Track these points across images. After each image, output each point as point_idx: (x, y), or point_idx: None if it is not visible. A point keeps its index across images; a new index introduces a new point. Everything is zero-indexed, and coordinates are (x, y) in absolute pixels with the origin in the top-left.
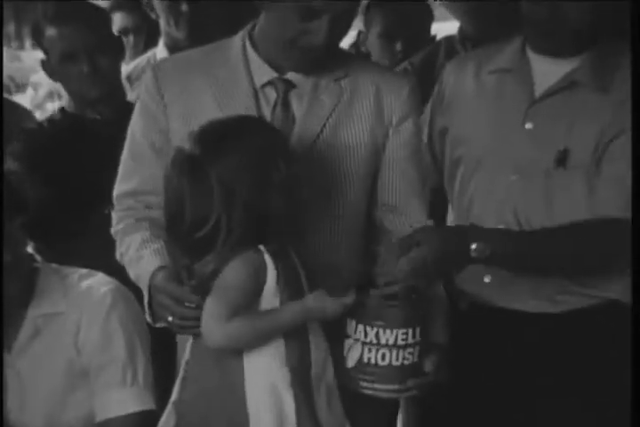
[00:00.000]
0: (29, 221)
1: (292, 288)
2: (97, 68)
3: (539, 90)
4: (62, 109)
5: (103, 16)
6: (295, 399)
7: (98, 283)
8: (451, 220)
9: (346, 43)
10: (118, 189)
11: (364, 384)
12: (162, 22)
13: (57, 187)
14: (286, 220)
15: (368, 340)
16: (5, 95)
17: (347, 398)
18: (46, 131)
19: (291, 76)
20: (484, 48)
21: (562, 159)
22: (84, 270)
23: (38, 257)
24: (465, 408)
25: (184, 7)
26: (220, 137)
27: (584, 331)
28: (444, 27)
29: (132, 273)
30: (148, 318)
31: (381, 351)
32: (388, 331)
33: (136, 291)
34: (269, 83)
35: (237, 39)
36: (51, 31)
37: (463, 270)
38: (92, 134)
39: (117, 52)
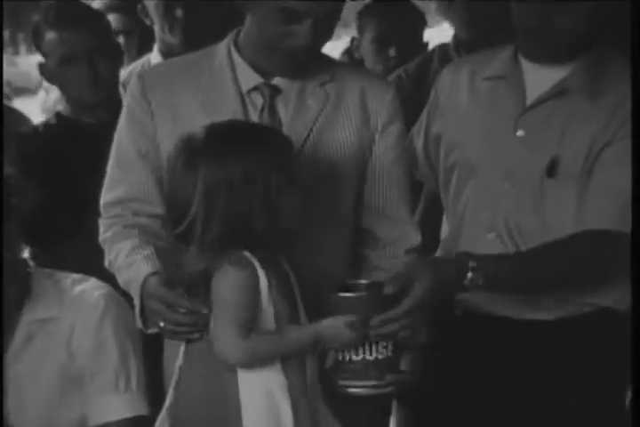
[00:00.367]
0: (25, 225)
1: (284, 296)
2: (96, 73)
3: (530, 97)
4: (58, 114)
5: (103, 21)
6: (292, 405)
7: (91, 288)
8: (445, 228)
9: (339, 49)
10: (105, 197)
11: (342, 382)
12: (156, 28)
13: (52, 191)
14: (276, 228)
15: None
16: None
17: (337, 401)
18: (41, 135)
19: (277, 81)
20: (479, 54)
21: (552, 167)
22: (78, 275)
23: (32, 263)
24: (458, 414)
25: (179, 13)
26: (223, 138)
27: (578, 338)
28: (437, 33)
29: (121, 280)
30: (140, 325)
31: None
32: None
33: (127, 297)
34: (255, 88)
35: (223, 45)
36: (51, 35)
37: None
38: (87, 139)
39: (117, 58)
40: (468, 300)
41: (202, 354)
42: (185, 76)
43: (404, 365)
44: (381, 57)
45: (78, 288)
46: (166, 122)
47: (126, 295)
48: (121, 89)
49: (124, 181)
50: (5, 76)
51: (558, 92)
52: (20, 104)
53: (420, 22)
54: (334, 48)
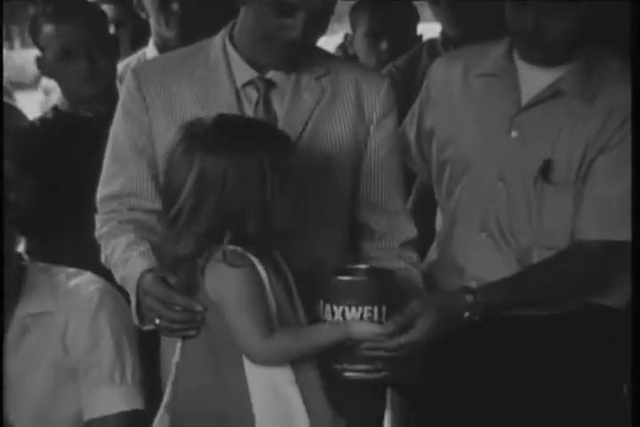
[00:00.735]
0: (22, 219)
1: (281, 290)
2: (94, 66)
3: (525, 98)
4: (55, 108)
5: (100, 14)
6: (303, 396)
7: (86, 282)
8: (439, 221)
9: (334, 44)
10: (101, 192)
11: (337, 366)
12: (152, 22)
13: (49, 185)
14: (269, 230)
15: (335, 319)
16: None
17: (333, 387)
18: (38, 129)
19: (271, 75)
20: (472, 48)
21: (546, 170)
22: (72, 269)
23: (27, 257)
24: (453, 406)
25: (174, 6)
26: (226, 131)
27: (573, 334)
28: (432, 27)
29: (117, 276)
30: (136, 321)
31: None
32: (353, 309)
33: (124, 291)
34: (250, 82)
35: (218, 39)
36: (48, 28)
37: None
38: (84, 133)
39: (114, 51)
40: None
41: (199, 351)
42: (180, 70)
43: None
44: (374, 51)
45: (73, 282)
46: (162, 117)
47: (122, 290)
48: (118, 83)
49: (120, 176)
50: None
51: (553, 93)
52: (14, 98)
53: (413, 16)
54: (328, 43)
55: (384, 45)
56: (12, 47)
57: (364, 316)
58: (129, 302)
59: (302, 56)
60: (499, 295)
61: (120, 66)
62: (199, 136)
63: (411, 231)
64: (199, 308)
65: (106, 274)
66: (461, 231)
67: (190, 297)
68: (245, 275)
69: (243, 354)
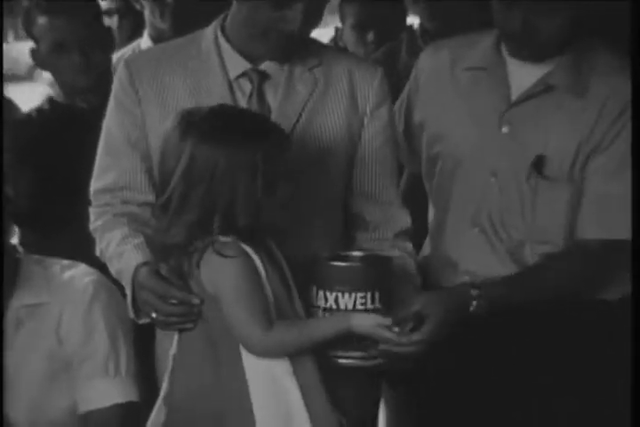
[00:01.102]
0: (18, 211)
1: (277, 280)
2: (88, 58)
3: (515, 93)
4: (51, 99)
5: (94, 5)
6: (301, 388)
7: (80, 274)
8: (430, 215)
9: (327, 37)
10: (94, 185)
11: (331, 353)
12: (146, 13)
13: (46, 176)
14: (260, 224)
15: (328, 305)
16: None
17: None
18: (35, 121)
19: (265, 66)
20: (459, 39)
21: (538, 166)
22: (66, 261)
23: (21, 249)
24: (446, 399)
25: None
26: (221, 122)
27: (566, 327)
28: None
29: (113, 269)
30: (132, 315)
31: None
32: (346, 295)
33: (119, 284)
34: (243, 74)
35: (210, 31)
36: (42, 20)
37: None
38: (80, 124)
39: (108, 42)
40: None
41: (196, 343)
42: (172, 62)
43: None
44: (361, 42)
45: (67, 274)
46: (154, 109)
47: (117, 282)
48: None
49: (114, 169)
50: None
51: (543, 89)
52: (8, 91)
53: (400, 8)
54: (322, 35)
55: (370, 37)
56: (5, 40)
57: (357, 302)
58: (124, 294)
59: (297, 47)
60: (500, 291)
61: (115, 57)
62: (194, 124)
63: (405, 222)
64: (196, 301)
65: (101, 266)
66: (453, 226)
67: (186, 290)
68: (241, 266)
69: (240, 346)
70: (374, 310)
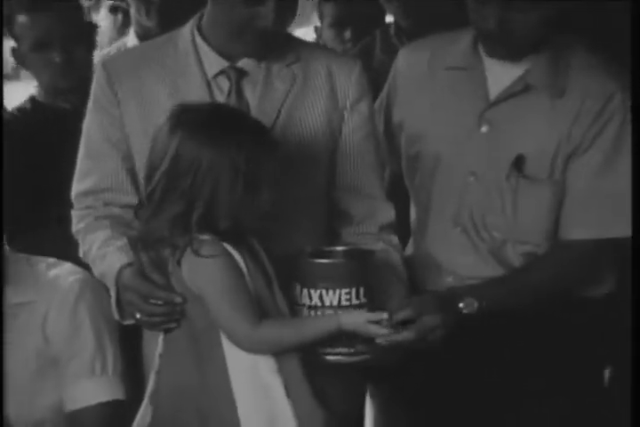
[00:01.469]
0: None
1: (260, 278)
2: (69, 58)
3: (493, 92)
4: (33, 99)
5: (76, 4)
6: (285, 385)
7: (66, 273)
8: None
9: (312, 35)
10: (76, 188)
11: (319, 350)
12: (132, 11)
13: (28, 176)
14: (241, 220)
15: (313, 303)
16: None
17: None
18: (16, 120)
19: (242, 63)
20: (437, 38)
21: (518, 165)
22: (52, 259)
23: (7, 247)
24: (431, 401)
25: None
26: (207, 119)
27: (551, 324)
28: None
29: (96, 271)
30: (117, 316)
31: (326, 314)
32: (330, 292)
33: (104, 285)
34: (221, 72)
35: (186, 30)
36: (23, 19)
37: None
38: (62, 124)
39: (90, 42)
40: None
41: (180, 342)
42: (150, 62)
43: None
44: (338, 39)
45: (53, 272)
46: (134, 110)
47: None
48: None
49: (95, 172)
50: None
51: (521, 88)
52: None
53: (378, 5)
54: (307, 34)
55: (348, 35)
56: None
57: (342, 298)
58: (110, 294)
59: (274, 43)
60: (492, 293)
61: (100, 55)
62: (184, 119)
63: (389, 215)
64: (179, 300)
65: (87, 265)
66: (435, 226)
67: (169, 289)
68: (223, 265)
69: (223, 343)
70: (360, 306)
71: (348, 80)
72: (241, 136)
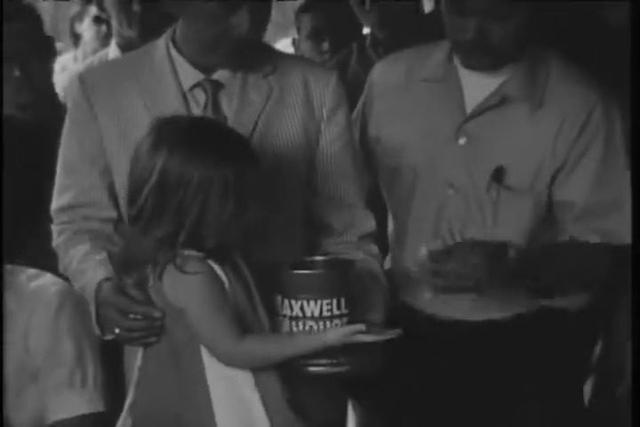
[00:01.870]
0: None
1: (241, 293)
2: (28, 73)
3: (470, 104)
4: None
5: (35, 17)
6: (262, 400)
7: (46, 284)
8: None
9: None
10: (55, 203)
11: (300, 362)
12: (113, 22)
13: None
14: (231, 240)
15: (294, 314)
16: None
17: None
18: None
19: (218, 75)
20: (413, 50)
21: (498, 176)
22: (33, 270)
23: None
24: (413, 413)
25: (136, 7)
26: (192, 135)
27: (528, 337)
28: None
29: (76, 286)
30: (97, 331)
31: (308, 324)
32: (312, 302)
33: None
34: (197, 84)
35: (161, 43)
36: None
37: None
38: (25, 137)
39: (49, 55)
40: (417, 307)
41: (160, 355)
42: (126, 75)
43: (360, 347)
44: (316, 51)
45: (34, 284)
46: (111, 124)
47: None
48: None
49: (73, 187)
50: None
51: (499, 100)
52: None
53: (355, 17)
54: (287, 46)
55: (325, 46)
56: None
57: (324, 309)
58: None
59: (249, 54)
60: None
61: (83, 65)
62: (166, 134)
63: (369, 224)
64: (158, 314)
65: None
66: (414, 240)
67: (148, 304)
68: (205, 281)
69: (203, 357)
70: (341, 316)
71: (325, 90)
72: (225, 150)
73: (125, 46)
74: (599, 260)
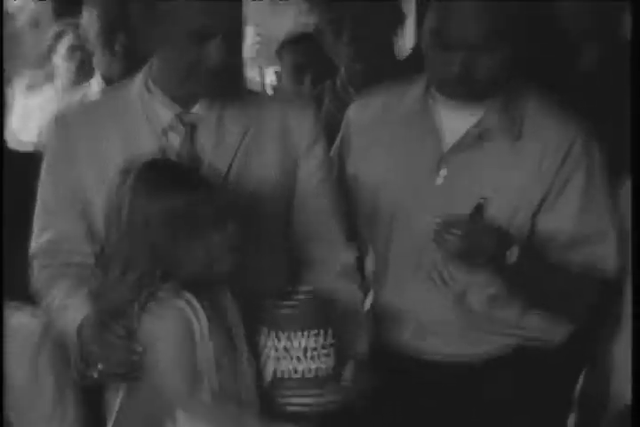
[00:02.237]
0: None
1: (221, 332)
2: None
3: (448, 138)
4: None
5: None
6: None
7: (27, 318)
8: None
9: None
10: (35, 241)
11: (282, 400)
12: (97, 54)
13: None
14: (207, 273)
15: (282, 345)
16: None
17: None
18: None
19: (196, 110)
20: (388, 88)
21: (478, 213)
22: (13, 304)
23: None
24: None
25: (120, 38)
26: (148, 176)
27: (506, 378)
28: None
29: (59, 323)
30: (75, 375)
31: (295, 355)
32: (299, 333)
33: None
34: (175, 119)
35: (138, 80)
36: None
37: None
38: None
39: None
40: (396, 346)
41: (141, 392)
42: (103, 114)
43: (346, 374)
44: (298, 84)
45: (15, 318)
46: (89, 163)
47: None
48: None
49: (53, 226)
50: None
51: (476, 136)
52: None
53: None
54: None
55: (307, 80)
56: None
57: (311, 340)
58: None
59: (226, 86)
60: (534, 260)
61: (63, 102)
62: (128, 176)
63: (350, 256)
64: (139, 348)
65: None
66: (396, 275)
67: (130, 338)
68: (174, 329)
69: None
70: (330, 346)
71: (303, 124)
72: (184, 184)
73: (110, 79)
74: (584, 286)
